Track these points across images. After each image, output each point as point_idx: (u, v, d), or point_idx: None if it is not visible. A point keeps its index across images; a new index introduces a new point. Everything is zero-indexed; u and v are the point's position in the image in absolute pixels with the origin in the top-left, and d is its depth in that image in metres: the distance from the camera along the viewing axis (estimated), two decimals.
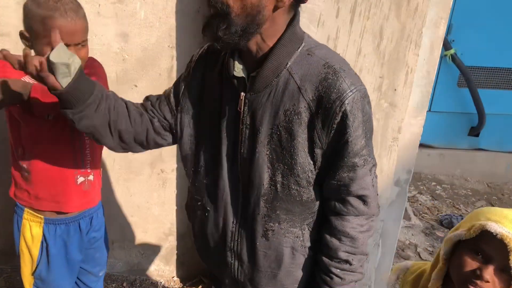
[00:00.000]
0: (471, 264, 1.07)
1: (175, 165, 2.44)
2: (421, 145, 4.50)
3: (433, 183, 4.50)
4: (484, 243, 1.06)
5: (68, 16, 1.40)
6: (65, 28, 1.39)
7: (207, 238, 1.40)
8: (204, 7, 2.07)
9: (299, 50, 1.16)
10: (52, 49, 1.17)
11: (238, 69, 1.20)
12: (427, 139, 4.46)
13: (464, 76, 4.21)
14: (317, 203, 1.27)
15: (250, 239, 1.31)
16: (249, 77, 1.19)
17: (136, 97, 2.24)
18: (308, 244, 1.30)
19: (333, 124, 1.13)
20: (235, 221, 1.32)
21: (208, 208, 1.36)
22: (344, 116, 1.11)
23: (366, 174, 1.19)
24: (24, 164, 1.60)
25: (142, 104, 1.44)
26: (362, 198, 1.20)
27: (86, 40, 1.50)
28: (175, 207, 2.53)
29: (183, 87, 1.37)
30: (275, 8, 1.11)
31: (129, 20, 2.09)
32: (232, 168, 1.28)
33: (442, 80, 4.28)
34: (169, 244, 2.63)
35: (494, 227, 1.03)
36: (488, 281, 1.05)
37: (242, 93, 1.20)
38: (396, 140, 2.20)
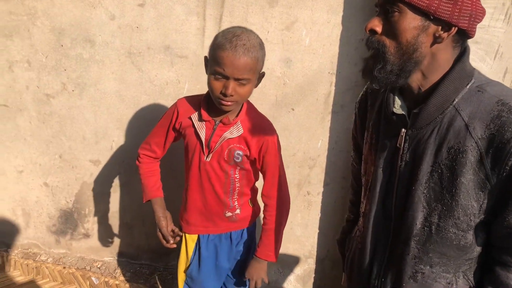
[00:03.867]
0: None
1: (321, 189, 2.46)
2: None
3: None
4: None
5: (236, 51, 1.45)
6: (227, 60, 1.46)
7: (353, 271, 1.41)
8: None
9: (467, 87, 1.10)
10: None
11: (398, 106, 1.18)
12: None
13: None
14: (477, 249, 1.18)
15: (396, 279, 1.26)
16: (410, 113, 1.16)
17: (292, 120, 2.33)
18: None
19: (506, 166, 1.03)
20: (382, 259, 1.29)
21: (359, 241, 1.36)
22: None
23: None
24: (184, 194, 1.81)
25: (353, 173, 1.60)
26: None
27: (250, 79, 1.52)
28: (317, 230, 2.55)
29: (356, 137, 1.47)
30: (433, 44, 1.08)
31: (294, 46, 2.18)
32: (385, 205, 1.26)
33: None
34: (307, 266, 2.64)
35: None
36: None
37: (403, 130, 1.17)
38: None
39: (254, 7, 2.13)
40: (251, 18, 2.15)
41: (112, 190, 2.65)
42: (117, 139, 2.50)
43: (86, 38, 2.28)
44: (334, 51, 2.17)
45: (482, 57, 1.81)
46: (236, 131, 1.66)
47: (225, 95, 1.50)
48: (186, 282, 1.91)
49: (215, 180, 1.72)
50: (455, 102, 1.10)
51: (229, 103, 1.53)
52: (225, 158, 1.68)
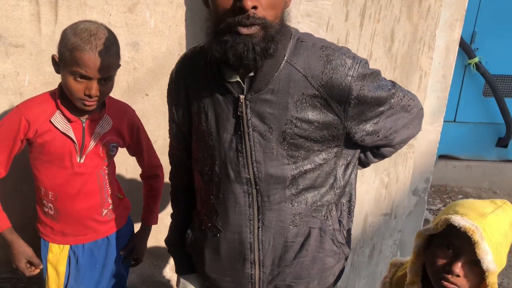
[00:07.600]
0: (442, 258, 1.08)
1: None
2: (447, 157, 4.40)
3: (460, 196, 4.33)
4: (452, 237, 1.06)
5: (96, 51, 1.42)
6: (90, 62, 1.42)
7: (220, 259, 1.31)
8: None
9: (291, 41, 1.16)
10: None
11: (229, 76, 1.16)
12: (452, 151, 4.34)
13: (489, 85, 4.06)
14: (343, 183, 1.27)
15: (276, 236, 1.25)
16: (244, 79, 1.16)
17: (147, 106, 2.26)
18: (337, 227, 1.29)
19: (350, 99, 1.14)
20: (252, 231, 1.25)
21: (219, 228, 1.29)
22: (360, 88, 1.13)
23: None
24: (50, 204, 1.64)
25: (179, 164, 1.45)
26: None
27: (113, 75, 1.54)
28: None
29: (178, 123, 1.35)
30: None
31: (139, 29, 2.11)
32: (242, 177, 1.22)
33: (467, 90, 4.16)
34: None
35: (458, 220, 1.03)
36: (458, 275, 1.04)
37: (242, 96, 1.16)
38: (412, 147, 2.13)
39: None
40: (90, 1, 2.04)
41: None
42: None
43: None
44: (181, 32, 2.14)
45: (315, 30, 1.90)
46: (106, 124, 1.63)
47: (90, 96, 1.46)
48: None
49: (90, 180, 1.63)
50: (286, 57, 1.14)
51: (93, 103, 1.50)
52: (101, 155, 1.63)
